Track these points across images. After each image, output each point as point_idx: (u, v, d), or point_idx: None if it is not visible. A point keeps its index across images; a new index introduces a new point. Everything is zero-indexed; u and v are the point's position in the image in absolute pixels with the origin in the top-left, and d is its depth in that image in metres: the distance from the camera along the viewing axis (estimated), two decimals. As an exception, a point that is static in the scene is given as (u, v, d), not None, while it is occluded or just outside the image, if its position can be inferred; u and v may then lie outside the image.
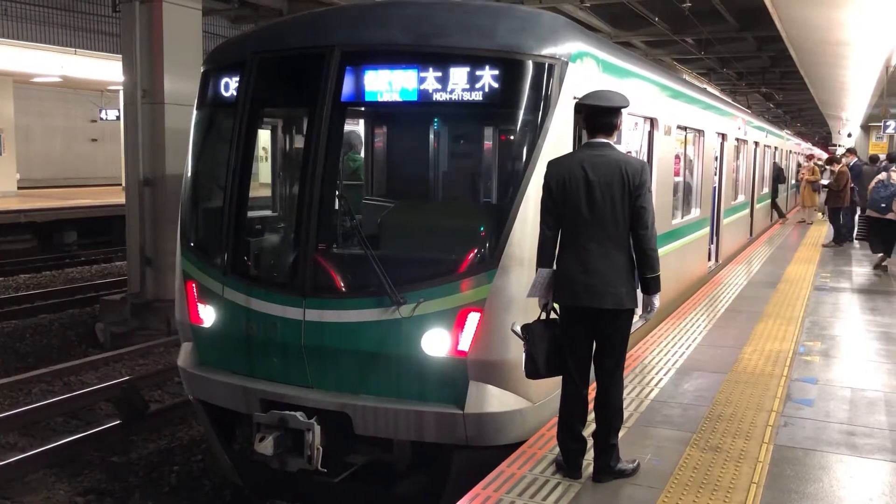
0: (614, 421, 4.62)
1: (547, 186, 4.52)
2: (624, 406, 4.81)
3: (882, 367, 7.32)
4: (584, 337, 4.55)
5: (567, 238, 4.49)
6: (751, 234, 17.38)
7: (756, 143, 17.29)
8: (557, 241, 4.52)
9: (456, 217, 6.38)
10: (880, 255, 13.40)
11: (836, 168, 17.19)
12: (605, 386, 4.59)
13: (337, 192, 5.67)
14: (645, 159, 7.80)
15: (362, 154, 7.88)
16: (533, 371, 4.59)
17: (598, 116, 4.54)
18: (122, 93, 14.11)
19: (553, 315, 4.61)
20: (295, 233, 5.59)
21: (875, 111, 29.85)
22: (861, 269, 13.63)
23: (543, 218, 4.54)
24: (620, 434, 4.79)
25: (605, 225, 4.39)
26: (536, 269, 4.55)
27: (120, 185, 22.04)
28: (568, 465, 4.68)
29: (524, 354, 4.57)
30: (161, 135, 12.39)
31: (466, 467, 5.20)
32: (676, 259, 9.31)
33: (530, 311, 4.77)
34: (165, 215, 12.19)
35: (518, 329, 4.59)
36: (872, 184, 13.07)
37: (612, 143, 4.57)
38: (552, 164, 4.60)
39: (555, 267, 4.52)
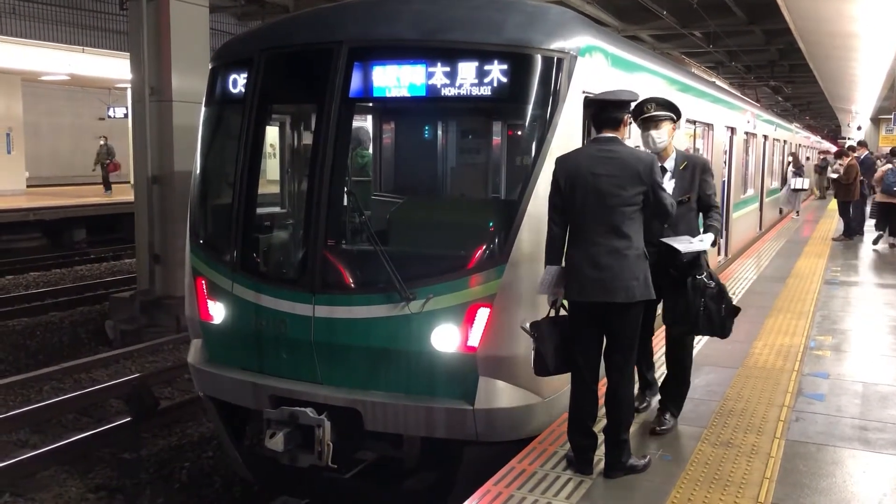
0: (625, 416, 4.61)
1: (555, 183, 4.53)
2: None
3: (894, 360, 7.27)
4: (594, 333, 4.54)
5: (576, 234, 4.49)
6: (760, 228, 17.31)
7: (765, 137, 17.21)
8: (566, 238, 4.52)
9: (465, 213, 6.37)
10: (881, 233, 15.63)
11: (845, 161, 17.11)
12: (615, 381, 4.58)
13: (345, 189, 5.66)
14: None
15: (371, 150, 7.87)
16: (542, 368, 4.60)
17: (604, 111, 4.54)
18: (129, 90, 14.15)
19: (562, 312, 4.61)
20: (304, 229, 5.59)
21: (885, 104, 29.72)
22: (871, 263, 13.57)
23: (551, 215, 4.56)
24: (631, 429, 4.78)
25: (614, 220, 4.39)
26: (545, 267, 4.55)
27: (128, 182, 22.10)
28: (579, 461, 4.67)
29: (533, 351, 4.58)
30: (169, 132, 12.40)
31: (477, 463, 5.19)
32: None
33: (540, 306, 4.76)
34: (174, 212, 12.21)
35: (527, 326, 4.59)
36: (880, 174, 15.26)
37: (619, 137, 4.56)
38: (560, 161, 4.59)
39: (563, 263, 4.52)
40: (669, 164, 5.20)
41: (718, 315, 4.88)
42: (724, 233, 12.50)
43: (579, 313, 4.53)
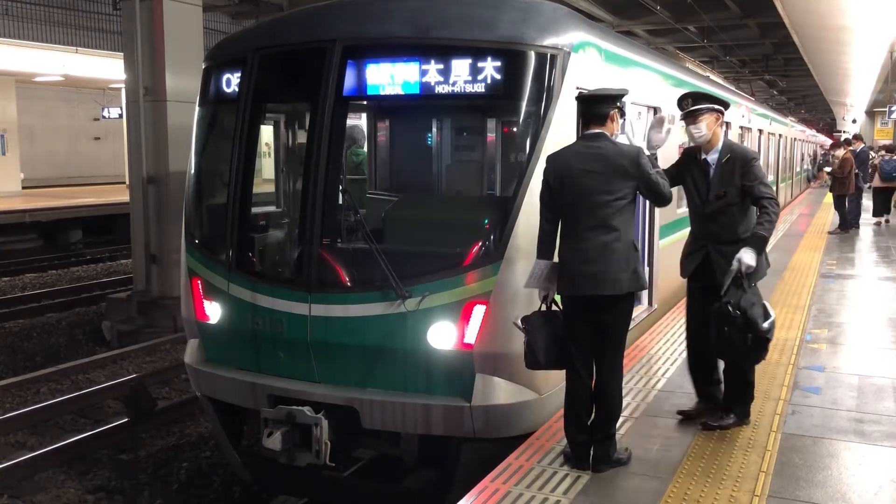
0: (615, 411, 4.63)
1: (545, 181, 4.57)
2: (631, 397, 4.81)
3: (889, 353, 7.29)
4: (587, 327, 4.56)
5: (566, 229, 4.54)
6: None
7: (760, 131, 17.21)
8: (556, 233, 4.56)
9: (460, 210, 6.37)
10: (884, 216, 17.95)
11: (840, 154, 17.13)
12: (605, 375, 4.61)
13: (340, 187, 5.67)
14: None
15: (365, 148, 7.88)
16: (533, 362, 4.63)
17: (591, 107, 4.57)
18: (124, 91, 14.11)
19: (554, 307, 4.63)
20: (299, 228, 5.59)
21: (879, 97, 29.77)
22: (867, 256, 13.60)
23: (542, 212, 4.60)
24: (629, 425, 4.79)
25: (602, 215, 4.42)
26: (535, 260, 4.59)
27: (124, 182, 22.07)
28: (576, 456, 4.68)
29: (524, 345, 4.60)
30: (164, 132, 12.38)
31: (474, 460, 5.20)
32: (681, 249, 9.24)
33: (535, 302, 4.77)
34: (170, 212, 12.19)
35: (519, 322, 4.61)
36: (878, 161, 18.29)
37: (607, 133, 4.57)
38: (550, 159, 4.64)
39: (555, 258, 4.54)
40: (713, 156, 5.06)
41: (743, 345, 4.68)
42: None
43: (572, 308, 4.56)
